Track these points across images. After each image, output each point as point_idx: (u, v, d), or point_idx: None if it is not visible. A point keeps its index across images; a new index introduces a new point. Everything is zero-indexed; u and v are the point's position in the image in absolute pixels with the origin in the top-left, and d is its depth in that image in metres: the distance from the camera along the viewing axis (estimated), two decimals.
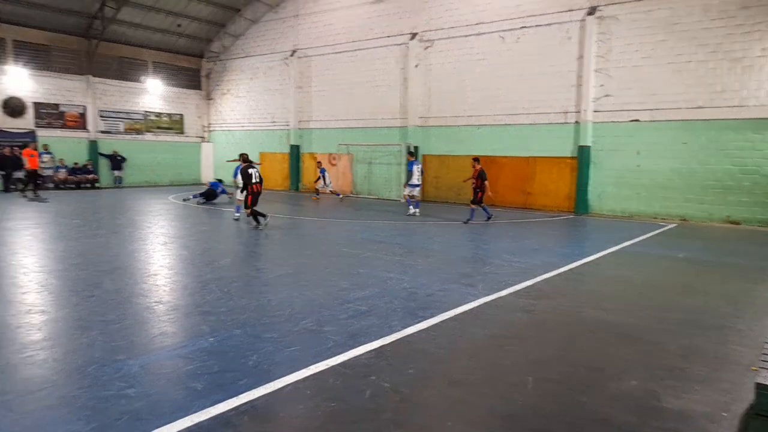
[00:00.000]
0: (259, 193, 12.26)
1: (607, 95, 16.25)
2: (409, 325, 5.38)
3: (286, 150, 24.92)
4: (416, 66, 20.22)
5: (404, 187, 17.19)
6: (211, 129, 28.82)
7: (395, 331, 5.19)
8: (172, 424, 3.35)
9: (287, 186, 24.88)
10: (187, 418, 3.43)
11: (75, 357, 4.46)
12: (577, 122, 16.83)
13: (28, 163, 18.69)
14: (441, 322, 5.56)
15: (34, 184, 19.06)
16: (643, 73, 15.57)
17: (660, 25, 15.20)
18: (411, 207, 15.76)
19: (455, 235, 11.85)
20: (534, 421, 3.55)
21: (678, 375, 4.35)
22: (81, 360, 4.38)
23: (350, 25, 22.21)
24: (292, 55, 24.25)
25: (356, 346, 4.75)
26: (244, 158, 12.63)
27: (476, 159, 14.64)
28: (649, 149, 15.67)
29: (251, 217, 12.19)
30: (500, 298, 6.57)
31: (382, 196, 21.58)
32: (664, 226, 14.29)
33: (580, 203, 16.86)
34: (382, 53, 21.33)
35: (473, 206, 14.19)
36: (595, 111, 16.49)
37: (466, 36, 18.99)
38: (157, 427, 3.31)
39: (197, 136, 28.58)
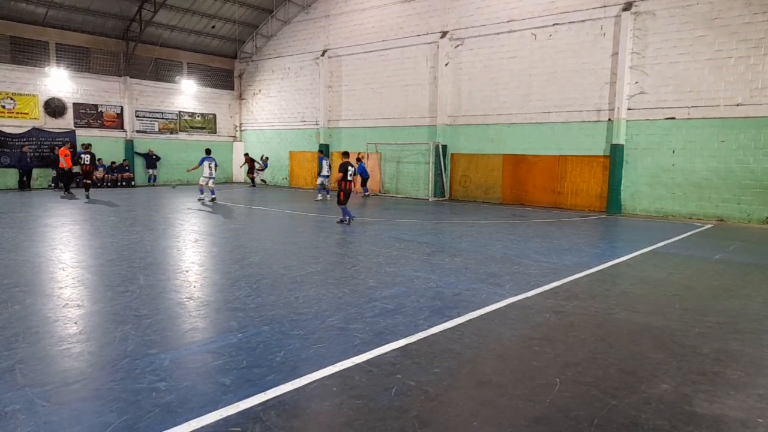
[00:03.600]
0: (350, 191, 12.69)
1: (642, 92, 15.87)
2: (436, 324, 5.36)
3: (316, 149, 25.10)
4: (446, 64, 20.13)
5: (317, 177, 20.42)
6: (243, 128, 29.28)
7: (421, 330, 5.18)
8: (201, 417, 3.42)
9: (316, 185, 25.03)
10: (216, 412, 3.49)
11: (109, 350, 4.60)
12: (610, 120, 16.49)
13: (64, 162, 19.38)
14: (468, 321, 5.53)
15: (70, 181, 19.85)
16: (681, 70, 15.16)
17: (699, 21, 14.77)
18: (319, 194, 19.29)
19: (483, 235, 11.75)
20: (562, 423, 3.50)
21: (712, 379, 4.22)
22: (115, 353, 4.51)
23: (380, 25, 22.25)
24: (322, 55, 24.43)
25: (382, 344, 4.76)
26: (341, 155, 13.30)
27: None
28: (685, 148, 15.25)
29: (343, 213, 12.81)
30: (528, 298, 6.49)
31: (410, 195, 21.56)
32: (699, 226, 13.88)
33: (612, 203, 16.51)
34: (412, 52, 21.30)
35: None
36: (629, 109, 16.13)
37: (497, 34, 18.81)
38: (187, 420, 3.38)
39: (229, 136, 29.07)
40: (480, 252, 9.56)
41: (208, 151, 18.58)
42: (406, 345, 4.78)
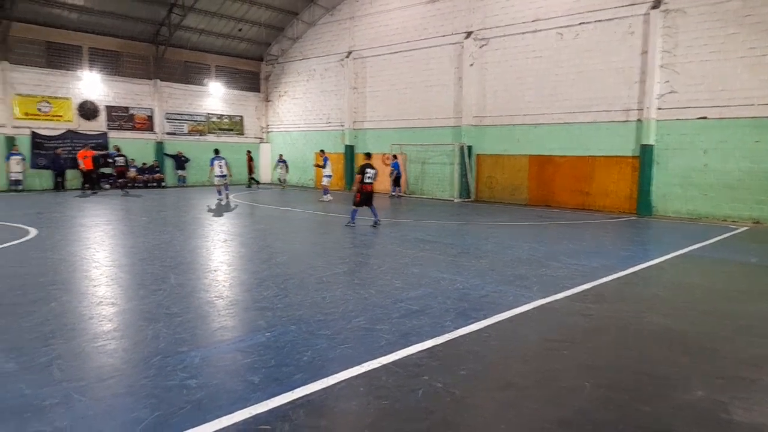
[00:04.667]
0: (369, 193, 12.47)
1: (672, 91, 15.54)
2: (462, 326, 5.35)
3: (341, 150, 25.25)
4: (471, 65, 20.03)
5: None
6: (269, 130, 29.61)
7: (448, 332, 5.17)
8: (231, 415, 3.48)
9: (342, 186, 25.20)
10: (245, 409, 3.55)
11: (142, 347, 4.71)
12: (639, 120, 16.19)
13: (83, 164, 20.01)
14: (494, 323, 5.50)
15: (92, 183, 20.62)
16: (712, 68, 14.79)
17: (731, 18, 14.39)
18: (324, 195, 19.47)
19: (510, 236, 11.66)
20: (590, 428, 3.45)
21: (748, 386, 4.12)
22: (147, 350, 4.62)
23: (405, 26, 22.26)
24: (347, 57, 24.56)
25: (408, 345, 4.77)
26: (363, 156, 13.07)
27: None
28: (717, 148, 14.87)
29: (356, 213, 12.67)
30: (556, 301, 6.42)
31: (435, 196, 21.51)
32: (734, 228, 13.52)
33: (642, 204, 16.20)
34: (436, 53, 21.26)
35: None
36: (659, 108, 15.81)
37: (522, 33, 18.65)
38: (218, 417, 3.44)
39: (256, 137, 29.44)
40: (506, 254, 9.50)
41: (216, 151, 18.93)
42: (433, 346, 4.78)
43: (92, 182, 20.80)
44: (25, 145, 21.45)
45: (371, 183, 12.55)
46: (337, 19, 25.16)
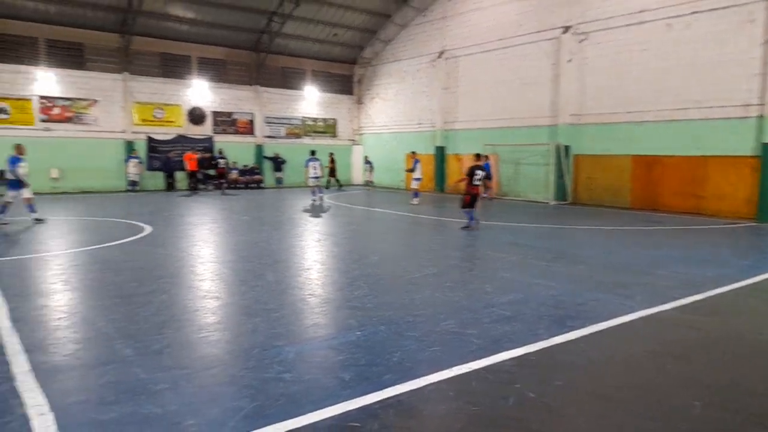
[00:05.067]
0: (477, 195, 12.15)
1: None
2: (557, 334, 5.13)
3: (432, 151, 25.21)
4: (569, 61, 19.22)
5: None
6: (361, 132, 30.22)
7: (541, 340, 4.98)
8: (323, 410, 3.56)
9: (432, 187, 25.16)
10: (336, 406, 3.62)
11: (242, 340, 4.97)
12: (761, 116, 14.68)
13: (188, 166, 21.61)
14: (592, 333, 5.22)
15: (195, 183, 22.34)
16: None
17: None
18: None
19: (610, 241, 11.04)
20: None
21: None
22: (247, 343, 4.87)
23: (499, 23, 21.81)
24: (439, 57, 24.48)
25: (499, 352, 4.65)
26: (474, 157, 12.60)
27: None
28: None
29: (469, 216, 12.27)
30: (662, 312, 5.97)
31: (528, 198, 20.87)
32: None
33: (763, 209, 14.67)
34: (531, 50, 20.62)
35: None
36: None
37: (626, 26, 17.59)
38: (310, 411, 3.54)
39: (348, 139, 30.17)
40: (606, 260, 9.00)
41: (312, 153, 19.33)
42: (525, 354, 4.63)
43: (195, 183, 22.41)
44: (141, 149, 23.48)
45: (479, 185, 12.22)
46: (429, 19, 25.16)
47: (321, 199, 18.99)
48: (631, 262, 8.82)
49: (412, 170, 19.94)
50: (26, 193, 12.49)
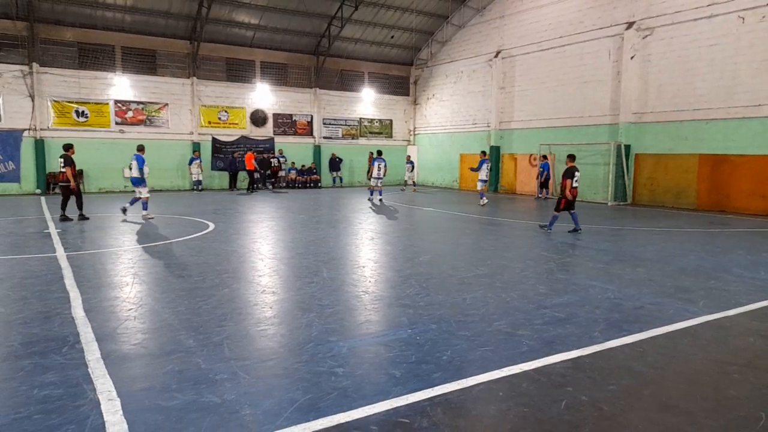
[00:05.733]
0: (574, 198, 11.71)
1: None
2: (613, 338, 5.00)
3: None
4: (632, 57, 18.55)
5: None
6: (416, 132, 30.26)
7: (596, 343, 4.88)
8: (373, 405, 3.65)
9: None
10: (386, 401, 3.70)
11: (297, 334, 5.14)
12: None
13: (247, 165, 22.93)
14: (650, 338, 5.06)
15: (251, 182, 23.21)
16: None
17: None
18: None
19: (672, 244, 10.58)
20: None
21: None
22: (301, 337, 5.03)
23: (558, 21, 21.31)
24: (496, 57, 24.19)
25: (552, 354, 4.59)
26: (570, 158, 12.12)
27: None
28: None
29: (555, 219, 11.94)
30: (727, 318, 5.71)
31: (586, 198, 20.27)
32: None
33: None
34: (592, 47, 20.03)
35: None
36: None
37: (694, 20, 16.81)
38: (361, 406, 3.64)
39: (403, 140, 30.30)
40: (668, 263, 8.65)
41: (379, 153, 19.23)
42: (579, 357, 4.55)
43: (252, 182, 23.30)
44: (206, 150, 24.47)
45: (576, 187, 11.75)
46: (486, 19, 24.90)
47: (380, 201, 18.51)
48: (695, 265, 8.44)
49: (476, 169, 18.65)
50: (144, 192, 13.75)
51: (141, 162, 13.47)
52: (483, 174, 18.56)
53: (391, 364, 4.42)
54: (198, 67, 23.99)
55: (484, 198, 18.41)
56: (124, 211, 13.81)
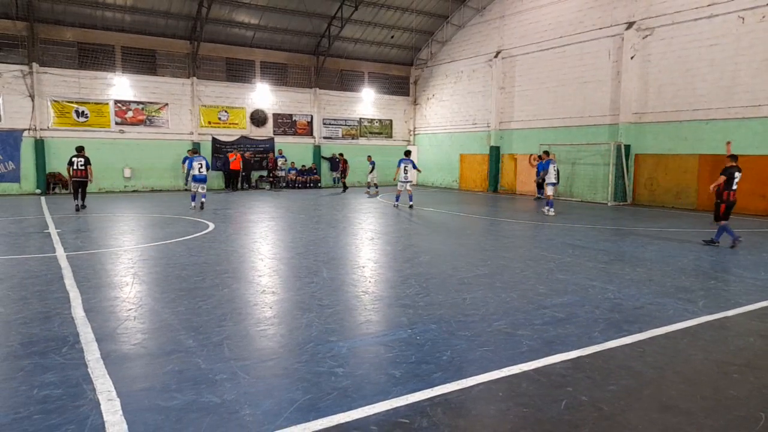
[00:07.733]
0: (734, 202, 10.10)
1: None
2: (613, 338, 5.01)
3: (486, 151, 24.97)
4: (632, 57, 18.55)
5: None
6: (416, 132, 30.26)
7: (596, 343, 4.88)
8: (373, 405, 3.65)
9: (485, 187, 24.90)
10: (386, 401, 3.70)
11: (297, 334, 5.14)
12: None
13: (232, 165, 23.73)
14: (650, 338, 5.06)
15: (234, 181, 24.16)
16: None
17: None
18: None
19: (672, 244, 10.58)
20: None
21: None
22: (301, 337, 5.03)
23: (558, 21, 21.33)
24: (496, 57, 24.20)
25: (551, 354, 4.60)
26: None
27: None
28: None
29: (728, 231, 10.19)
30: (727, 318, 5.71)
31: (586, 198, 20.28)
32: None
33: None
34: (592, 47, 20.04)
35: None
36: None
37: (694, 20, 16.82)
38: (361, 406, 3.64)
39: (403, 140, 30.29)
40: (667, 263, 8.65)
41: (407, 153, 17.30)
42: (578, 357, 4.55)
43: (235, 182, 24.07)
44: (207, 150, 24.46)
45: (735, 190, 10.05)
46: (486, 19, 24.90)
47: (411, 207, 16.74)
48: (695, 265, 8.44)
49: (543, 168, 16.34)
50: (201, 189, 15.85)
51: (191, 162, 15.66)
52: (552, 176, 15.65)
53: (391, 364, 4.41)
54: (198, 67, 23.98)
55: (552, 209, 15.45)
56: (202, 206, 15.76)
